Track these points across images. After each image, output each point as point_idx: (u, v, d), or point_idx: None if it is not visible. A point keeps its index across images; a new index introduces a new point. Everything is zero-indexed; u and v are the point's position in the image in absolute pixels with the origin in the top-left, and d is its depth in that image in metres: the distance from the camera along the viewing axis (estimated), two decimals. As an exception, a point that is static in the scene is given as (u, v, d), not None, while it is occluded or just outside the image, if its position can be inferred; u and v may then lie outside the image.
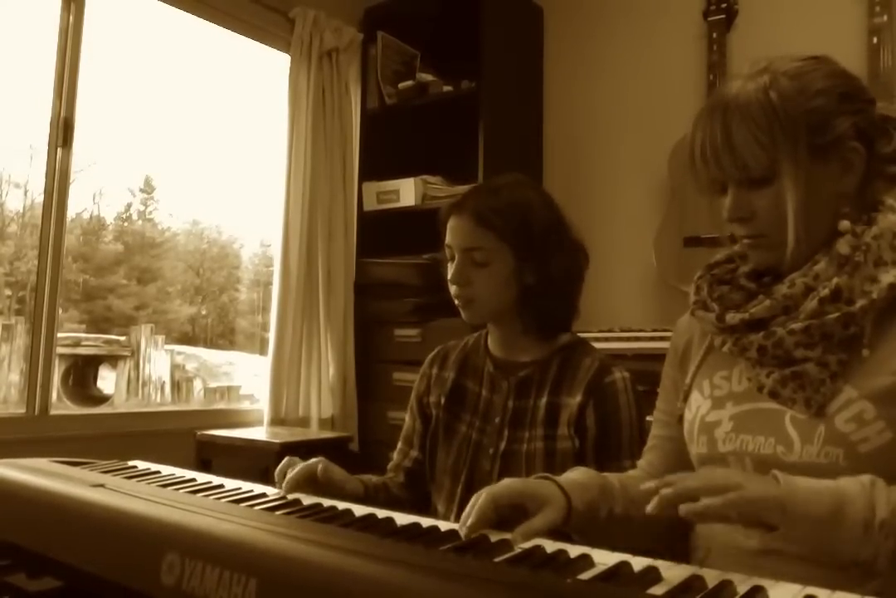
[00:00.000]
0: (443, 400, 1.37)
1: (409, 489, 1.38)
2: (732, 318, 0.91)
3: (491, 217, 1.25)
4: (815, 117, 0.86)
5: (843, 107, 0.88)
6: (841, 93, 0.88)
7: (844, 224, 0.89)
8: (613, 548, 0.73)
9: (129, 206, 3.62)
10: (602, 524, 0.94)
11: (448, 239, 1.30)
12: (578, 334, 1.37)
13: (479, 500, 0.83)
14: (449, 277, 1.29)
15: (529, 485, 0.89)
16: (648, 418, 1.16)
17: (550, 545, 0.74)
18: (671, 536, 0.79)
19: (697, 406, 0.97)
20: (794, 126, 0.85)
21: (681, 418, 1.01)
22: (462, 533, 0.80)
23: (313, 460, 1.13)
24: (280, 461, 1.15)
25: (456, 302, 1.31)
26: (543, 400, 1.26)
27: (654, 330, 2.26)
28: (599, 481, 0.97)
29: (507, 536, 0.78)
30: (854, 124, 0.88)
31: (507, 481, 0.88)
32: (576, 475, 0.97)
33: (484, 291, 1.28)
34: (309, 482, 1.09)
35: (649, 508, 0.73)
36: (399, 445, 1.44)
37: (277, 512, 0.88)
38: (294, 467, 1.10)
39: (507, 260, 1.26)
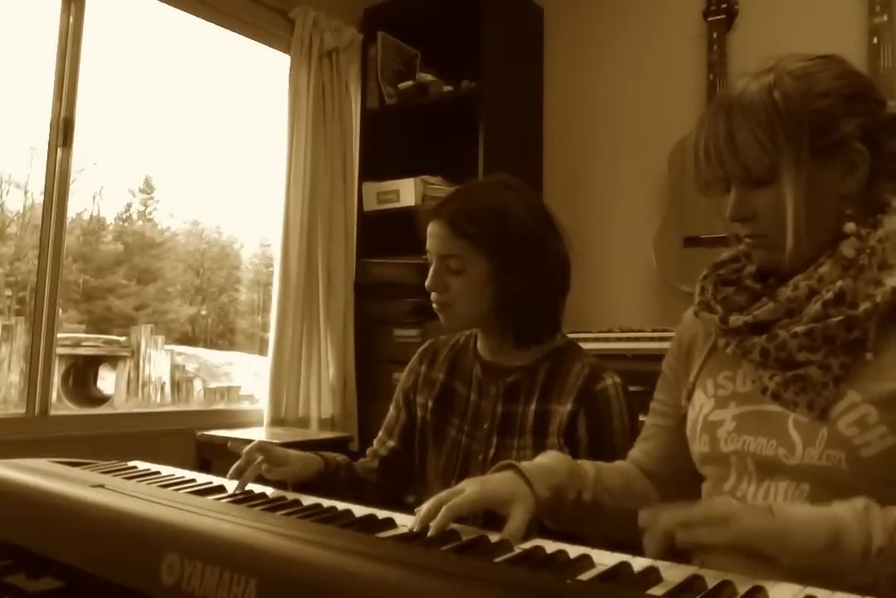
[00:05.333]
0: (431, 403, 1.36)
1: (382, 476, 1.39)
2: (736, 320, 0.91)
3: (465, 225, 1.23)
4: (818, 118, 0.85)
5: (850, 108, 0.86)
6: (848, 94, 0.87)
7: (850, 226, 0.88)
8: (587, 536, 0.72)
9: (129, 206, 3.63)
10: (570, 509, 0.94)
11: (427, 244, 1.29)
12: (572, 336, 1.36)
13: (439, 514, 0.80)
14: (426, 283, 1.28)
15: (488, 490, 0.86)
16: (643, 419, 1.16)
17: (550, 546, 0.74)
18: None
19: (701, 405, 0.97)
20: (797, 127, 0.85)
21: (684, 416, 1.01)
22: (415, 528, 0.80)
23: (255, 460, 1.13)
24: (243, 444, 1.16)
25: (434, 307, 1.30)
26: (532, 407, 1.25)
27: (654, 330, 2.26)
28: (568, 466, 0.96)
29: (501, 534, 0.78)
30: (860, 126, 0.86)
31: (467, 491, 0.84)
32: (544, 460, 0.96)
33: (460, 297, 1.26)
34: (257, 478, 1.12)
35: (648, 553, 0.72)
36: (379, 433, 1.44)
37: (277, 512, 0.88)
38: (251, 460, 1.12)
39: (482, 267, 1.24)
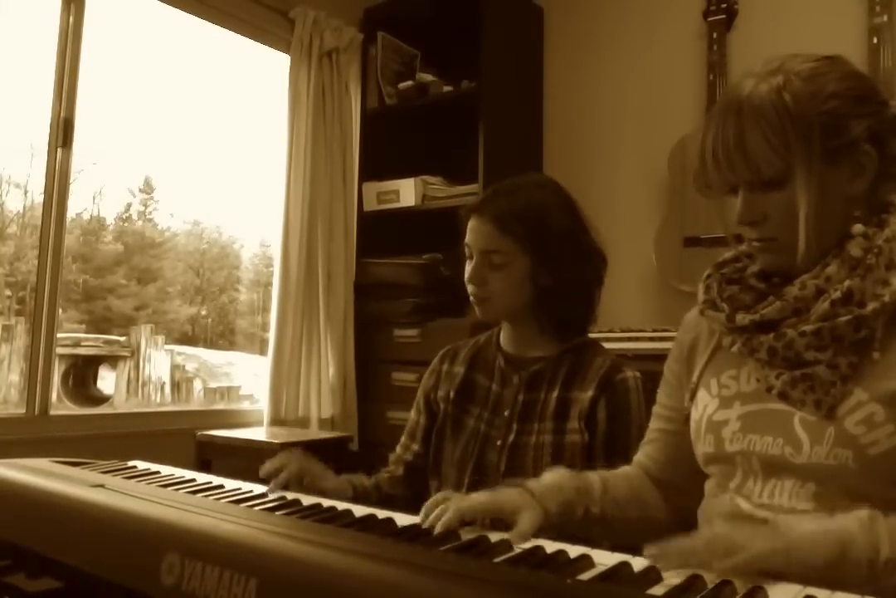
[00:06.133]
0: (452, 394, 1.38)
1: (407, 484, 1.39)
2: (742, 319, 0.91)
3: (510, 222, 1.27)
4: (828, 120, 0.85)
5: (857, 110, 0.86)
6: (854, 95, 0.87)
7: (858, 228, 0.88)
8: (597, 547, 0.72)
9: (129, 206, 3.63)
10: (579, 523, 0.94)
11: (467, 239, 1.32)
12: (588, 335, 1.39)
13: (448, 512, 0.82)
14: (466, 276, 1.32)
15: (498, 500, 0.88)
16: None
17: (550, 546, 0.75)
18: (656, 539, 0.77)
19: (704, 405, 0.97)
20: (808, 129, 0.84)
21: (687, 417, 1.01)
22: (424, 525, 0.81)
23: (296, 464, 1.13)
24: (284, 454, 1.16)
25: (472, 299, 1.33)
26: (554, 394, 1.28)
27: (655, 330, 2.25)
28: (576, 483, 0.96)
29: (507, 536, 0.78)
30: (868, 127, 0.87)
31: (476, 497, 0.87)
32: (551, 478, 0.96)
33: (499, 291, 1.30)
34: (298, 485, 1.10)
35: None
36: (402, 439, 1.45)
37: (277, 512, 0.88)
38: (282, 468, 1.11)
39: (523, 263, 1.28)
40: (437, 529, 0.80)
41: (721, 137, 0.88)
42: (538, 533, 0.83)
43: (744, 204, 0.90)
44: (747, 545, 0.69)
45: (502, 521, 0.85)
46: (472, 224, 1.32)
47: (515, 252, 1.28)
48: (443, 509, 0.84)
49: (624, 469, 1.08)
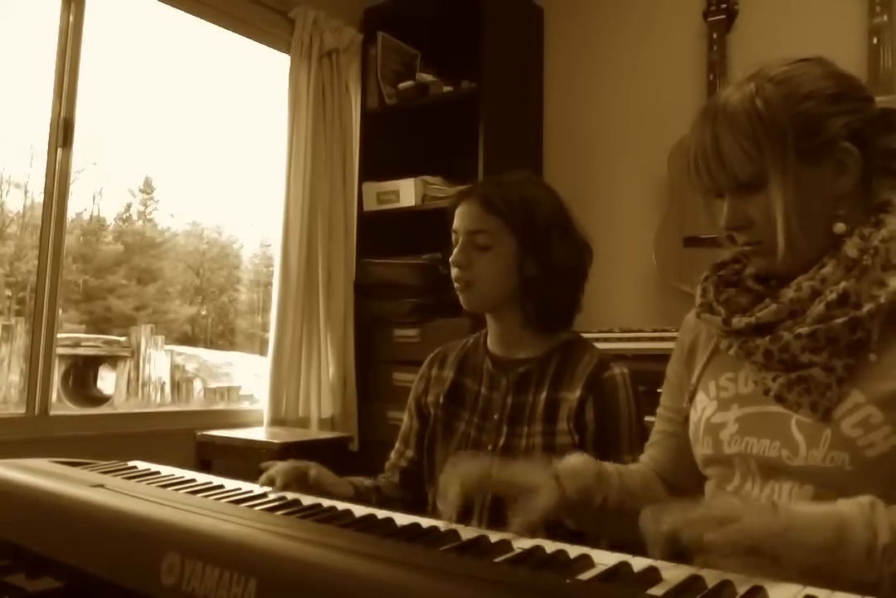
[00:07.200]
0: (441, 399, 1.37)
1: (405, 489, 1.39)
2: (739, 322, 0.91)
3: (497, 203, 1.28)
4: (802, 121, 0.85)
5: (834, 108, 0.87)
6: (831, 94, 0.87)
7: (839, 227, 0.88)
8: (608, 537, 0.73)
9: (128, 206, 3.62)
10: (596, 511, 0.95)
11: (455, 224, 1.32)
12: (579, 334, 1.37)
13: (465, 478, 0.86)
14: (451, 259, 1.31)
15: (519, 476, 0.90)
16: (648, 419, 1.16)
17: (550, 546, 0.74)
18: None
19: (703, 407, 0.97)
20: (781, 132, 0.85)
21: (686, 419, 1.01)
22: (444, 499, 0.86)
23: (303, 463, 1.16)
24: (279, 461, 1.16)
25: (456, 286, 1.32)
26: (543, 395, 1.27)
27: (655, 330, 2.26)
28: (596, 469, 0.97)
29: (507, 536, 0.78)
30: (846, 125, 0.86)
31: (499, 470, 0.89)
32: (573, 461, 0.97)
33: (484, 275, 1.29)
34: (299, 485, 1.12)
35: (653, 554, 0.72)
36: (396, 445, 1.45)
37: (277, 512, 0.88)
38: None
39: (509, 246, 1.28)
40: (456, 488, 0.83)
41: (700, 145, 0.89)
42: (553, 515, 0.85)
43: (729, 209, 0.91)
44: (747, 518, 0.70)
45: (503, 507, 0.86)
46: (459, 209, 1.32)
47: (501, 234, 1.28)
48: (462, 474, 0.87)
49: (633, 466, 1.09)
